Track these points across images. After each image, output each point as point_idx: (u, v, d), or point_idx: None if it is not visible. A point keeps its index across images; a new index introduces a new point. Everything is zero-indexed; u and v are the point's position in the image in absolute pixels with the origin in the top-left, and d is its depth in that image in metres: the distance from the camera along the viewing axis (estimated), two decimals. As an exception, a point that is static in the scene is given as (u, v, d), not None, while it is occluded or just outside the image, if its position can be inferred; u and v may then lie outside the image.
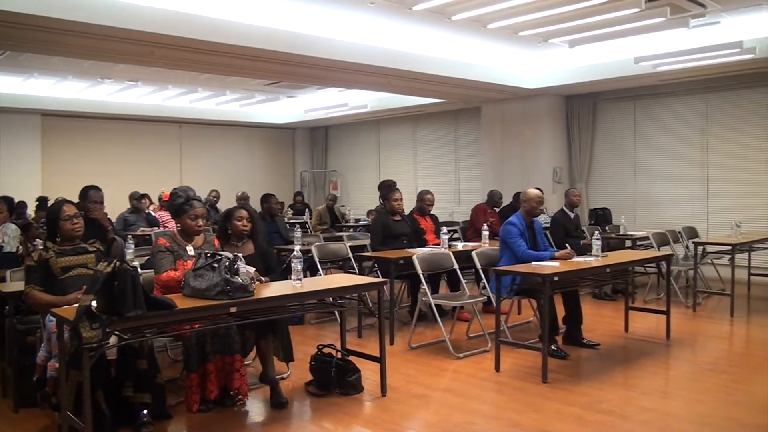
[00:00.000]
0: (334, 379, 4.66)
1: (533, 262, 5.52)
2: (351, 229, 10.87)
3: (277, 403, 4.48)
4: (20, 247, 6.19)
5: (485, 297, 6.21)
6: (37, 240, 5.97)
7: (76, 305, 3.52)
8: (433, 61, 8.96)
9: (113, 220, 7.67)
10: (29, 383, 4.42)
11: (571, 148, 11.62)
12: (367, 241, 7.89)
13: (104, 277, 3.32)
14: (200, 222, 4.65)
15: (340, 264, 7.55)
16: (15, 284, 4.83)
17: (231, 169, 15.32)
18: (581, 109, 11.41)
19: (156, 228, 9.38)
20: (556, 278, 4.99)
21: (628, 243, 8.46)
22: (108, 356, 3.92)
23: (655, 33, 8.04)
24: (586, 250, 6.61)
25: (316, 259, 6.87)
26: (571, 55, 9.45)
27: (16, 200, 8.89)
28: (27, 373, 4.50)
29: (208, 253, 4.05)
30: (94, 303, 3.38)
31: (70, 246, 4.46)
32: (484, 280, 6.24)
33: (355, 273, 6.76)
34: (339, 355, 4.81)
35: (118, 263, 3.35)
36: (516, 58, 9.91)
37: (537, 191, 6.08)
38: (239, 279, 3.87)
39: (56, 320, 3.73)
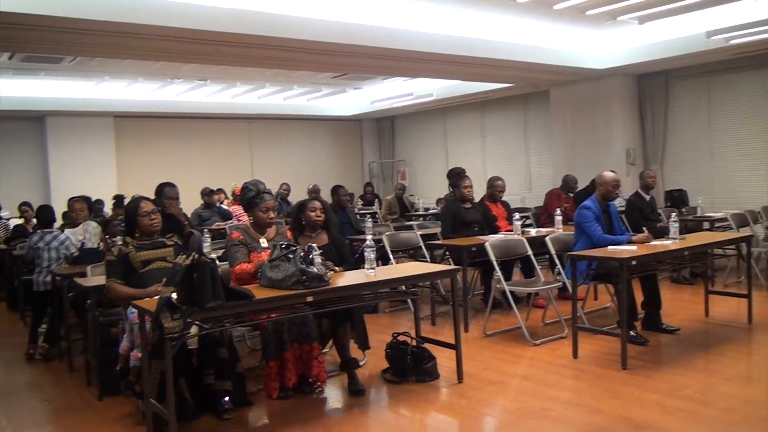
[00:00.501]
0: (410, 367, 4.67)
1: (609, 247, 5.39)
2: (420, 218, 10.86)
3: (355, 391, 4.52)
4: (101, 243, 6.41)
5: (560, 283, 6.10)
6: (117, 237, 6.18)
7: (157, 297, 3.62)
8: (500, 46, 8.83)
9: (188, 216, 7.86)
10: (112, 373, 4.59)
11: (644, 128, 11.28)
12: (437, 230, 7.86)
13: (184, 269, 3.40)
14: (271, 214, 4.71)
15: (410, 253, 7.55)
16: (96, 279, 5.02)
17: (300, 163, 15.51)
18: (653, 87, 11.05)
19: (230, 221, 9.59)
20: (633, 262, 4.86)
21: (706, 225, 8.18)
22: (189, 346, 4.03)
23: (727, 5, 7.73)
24: (663, 233, 6.44)
25: (388, 249, 6.88)
26: (641, 32, 9.18)
27: (94, 199, 9.22)
28: (110, 364, 4.68)
29: (283, 244, 4.10)
30: (174, 295, 3.46)
31: (148, 241, 4.59)
32: (559, 266, 6.13)
33: (426, 261, 6.74)
34: (414, 343, 4.81)
35: (196, 256, 3.42)
36: (584, 39, 9.68)
37: (613, 174, 5.95)
38: (314, 269, 3.91)
39: (138, 312, 3.85)
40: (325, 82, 12.50)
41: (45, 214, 6.64)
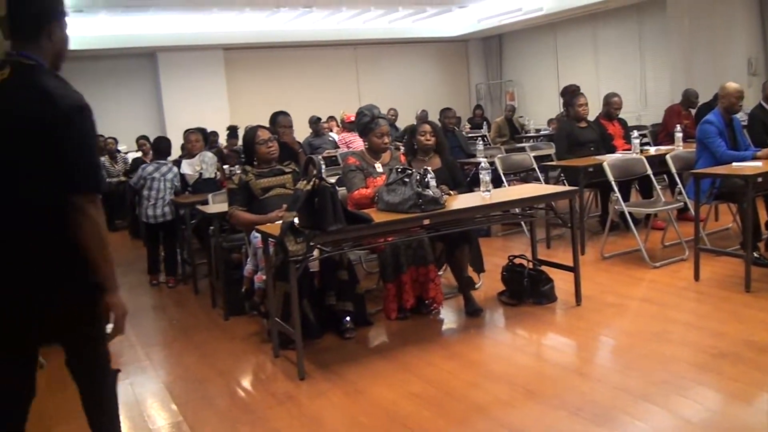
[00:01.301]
0: (527, 289, 4.66)
1: (733, 163, 5.12)
2: (532, 140, 10.64)
3: (472, 311, 4.58)
4: (218, 173, 6.64)
5: (681, 203, 5.88)
6: (234, 166, 6.39)
7: (279, 222, 3.76)
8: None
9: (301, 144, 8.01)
10: (236, 295, 4.84)
11: (766, 34, 10.46)
12: (551, 151, 7.70)
13: (305, 194, 3.49)
14: (386, 139, 4.74)
15: (522, 176, 7.44)
16: (217, 206, 5.25)
17: (407, 87, 15.41)
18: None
19: (338, 150, 9.70)
20: (759, 179, 4.60)
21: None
22: (311, 269, 4.18)
23: None
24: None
25: (500, 171, 6.80)
26: None
27: (209, 131, 9.52)
28: (233, 286, 4.94)
29: (398, 168, 4.14)
30: (296, 219, 3.58)
31: (267, 168, 4.74)
32: (680, 185, 5.89)
33: (540, 183, 6.64)
34: (531, 265, 4.79)
35: (317, 181, 3.51)
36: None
37: (736, 85, 5.58)
38: (430, 192, 3.93)
39: (261, 236, 4.01)
40: (430, 2, 12.25)
41: (162, 145, 6.79)
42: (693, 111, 8.54)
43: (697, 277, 4.95)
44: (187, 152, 6.82)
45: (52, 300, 2.07)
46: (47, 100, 2.00)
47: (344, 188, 4.72)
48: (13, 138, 2.01)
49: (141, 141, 9.61)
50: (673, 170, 5.87)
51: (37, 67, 2.09)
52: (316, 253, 3.82)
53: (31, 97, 2.02)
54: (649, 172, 5.97)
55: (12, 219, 2.04)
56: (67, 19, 2.23)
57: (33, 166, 2.01)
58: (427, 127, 5.20)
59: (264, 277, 4.22)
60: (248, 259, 4.67)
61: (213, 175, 6.58)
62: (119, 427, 2.35)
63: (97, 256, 2.07)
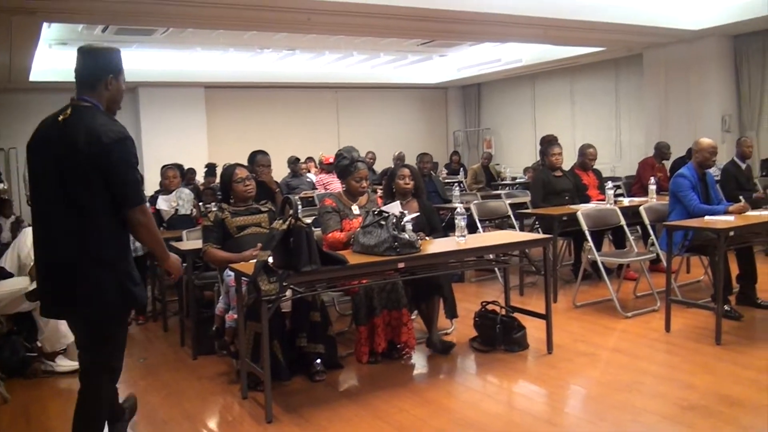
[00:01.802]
0: (499, 335, 4.65)
1: (706, 217, 5.20)
2: (507, 187, 10.74)
3: (444, 349, 4.62)
4: (194, 209, 6.61)
5: (654, 254, 5.94)
6: (210, 203, 6.36)
7: (254, 261, 3.73)
8: (592, 7, 8.55)
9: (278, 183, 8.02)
10: (206, 333, 4.77)
11: (740, 93, 10.73)
12: (526, 199, 7.77)
13: (280, 234, 3.49)
14: (364, 183, 4.76)
15: (497, 222, 7.49)
16: (191, 243, 5.20)
17: (386, 131, 15.55)
18: (751, 49, 10.48)
19: (315, 191, 9.72)
20: (731, 233, 4.67)
21: (805, 196, 7.76)
22: (283, 309, 4.15)
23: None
24: (759, 204, 6.16)
25: (476, 217, 6.84)
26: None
27: (186, 168, 9.50)
28: (203, 325, 4.87)
29: (375, 210, 4.15)
30: (271, 259, 3.56)
31: (243, 207, 4.73)
32: (653, 237, 5.96)
33: (515, 231, 6.68)
34: (503, 312, 4.79)
35: (293, 221, 3.50)
36: (679, -3, 9.27)
37: (710, 141, 5.69)
38: (406, 235, 3.94)
39: (235, 275, 3.98)
40: (412, 50, 12.45)
41: None
42: (666, 163, 8.69)
43: (668, 328, 4.99)
44: (164, 188, 6.78)
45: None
46: (93, 134, 2.69)
47: (320, 229, 4.72)
48: (74, 162, 2.69)
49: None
50: (647, 222, 5.95)
51: (91, 108, 2.80)
52: (288, 293, 3.80)
53: (82, 132, 2.69)
54: (623, 222, 6.04)
55: (71, 220, 2.73)
56: (122, 74, 2.99)
57: (88, 185, 2.70)
58: (406, 171, 5.24)
59: (235, 317, 4.18)
60: (220, 298, 4.62)
61: (189, 212, 6.55)
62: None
63: (152, 247, 2.98)
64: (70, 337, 4.51)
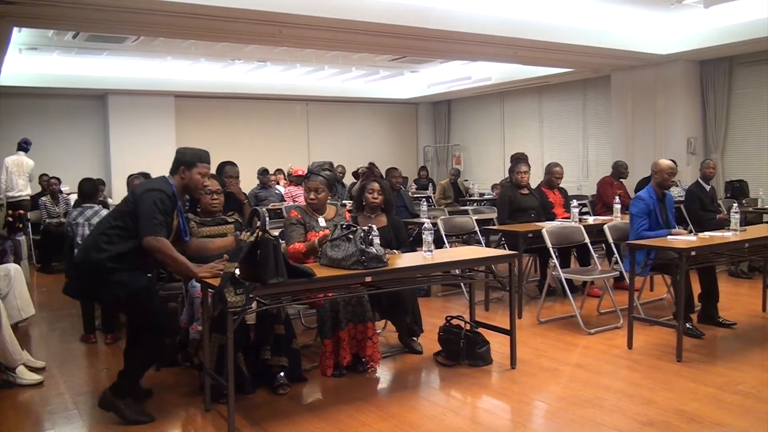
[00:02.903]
0: (463, 350, 4.68)
1: (668, 237, 5.31)
2: (475, 204, 10.83)
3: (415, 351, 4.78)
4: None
5: (617, 272, 6.04)
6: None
7: (213, 270, 3.78)
8: (561, 29, 8.73)
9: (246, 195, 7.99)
10: (170, 345, 4.70)
11: (705, 116, 10.99)
12: (492, 215, 7.85)
13: (248, 246, 3.48)
14: (312, 195, 4.71)
15: (464, 238, 7.55)
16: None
17: (356, 145, 15.59)
18: (716, 74, 10.75)
19: (283, 202, 9.71)
20: (693, 253, 4.78)
21: (766, 217, 7.96)
22: (248, 321, 4.13)
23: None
24: (722, 225, 6.29)
25: (443, 233, 6.89)
26: (705, 16, 8.98)
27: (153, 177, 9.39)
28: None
29: (343, 224, 4.16)
30: (237, 270, 3.55)
31: (210, 217, 4.70)
32: (617, 255, 6.06)
33: (481, 246, 6.74)
34: (468, 327, 4.83)
35: (261, 233, 3.50)
36: (647, 23, 9.48)
37: (669, 162, 5.81)
38: (374, 249, 3.96)
39: (201, 286, 3.96)
40: (383, 65, 12.53)
41: (86, 187, 6.32)
42: (624, 182, 8.84)
43: (630, 345, 5.06)
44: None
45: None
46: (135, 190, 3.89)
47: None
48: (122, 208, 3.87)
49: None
50: (611, 240, 6.04)
51: (163, 179, 3.94)
52: (254, 305, 3.79)
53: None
54: (587, 240, 6.13)
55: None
56: (196, 169, 3.94)
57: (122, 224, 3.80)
58: (376, 186, 5.27)
59: (199, 328, 4.15)
60: (184, 309, 4.59)
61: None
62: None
63: (171, 268, 4.08)
64: (21, 356, 4.61)
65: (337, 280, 3.96)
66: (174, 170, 3.94)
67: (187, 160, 3.92)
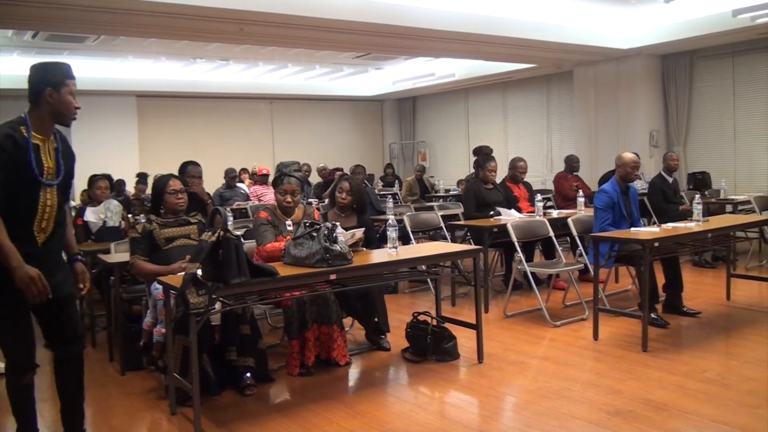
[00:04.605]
0: (431, 346, 4.68)
1: (632, 229, 5.37)
2: (441, 199, 10.85)
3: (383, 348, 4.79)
4: (123, 221, 6.46)
5: (582, 264, 6.09)
6: (140, 215, 6.21)
7: (182, 273, 3.66)
8: (522, 25, 8.78)
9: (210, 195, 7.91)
10: (135, 348, 4.64)
11: (667, 110, 11.17)
12: (458, 211, 7.87)
13: (209, 246, 3.43)
14: (288, 198, 4.66)
15: (430, 234, 7.56)
16: (119, 256, 5.05)
17: (321, 143, 15.54)
18: (677, 68, 10.92)
19: (249, 202, 9.62)
20: (656, 244, 4.84)
21: (729, 208, 8.10)
22: (212, 322, 4.08)
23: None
24: (685, 216, 6.37)
25: (408, 229, 6.89)
26: (666, 11, 9.12)
27: (116, 178, 9.27)
28: (132, 339, 4.73)
29: (306, 222, 4.12)
30: (199, 271, 3.50)
31: (173, 218, 4.63)
32: (581, 248, 6.12)
33: (447, 242, 6.75)
34: (434, 323, 4.83)
35: (222, 233, 3.45)
36: (609, 18, 9.59)
37: (632, 155, 5.89)
38: (338, 247, 3.93)
39: (163, 288, 3.89)
40: (347, 63, 12.48)
41: None
42: (577, 174, 8.93)
43: (596, 336, 5.11)
44: (93, 199, 6.60)
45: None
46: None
47: (250, 241, 4.67)
48: None
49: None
50: (575, 233, 6.09)
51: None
52: (218, 306, 3.74)
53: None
54: (551, 234, 6.17)
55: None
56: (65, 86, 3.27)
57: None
58: (346, 185, 5.26)
59: (163, 331, 4.09)
60: (148, 312, 4.52)
61: (117, 224, 6.39)
62: None
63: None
64: None
65: (301, 279, 3.92)
66: (35, 98, 3.09)
67: (54, 79, 3.13)
